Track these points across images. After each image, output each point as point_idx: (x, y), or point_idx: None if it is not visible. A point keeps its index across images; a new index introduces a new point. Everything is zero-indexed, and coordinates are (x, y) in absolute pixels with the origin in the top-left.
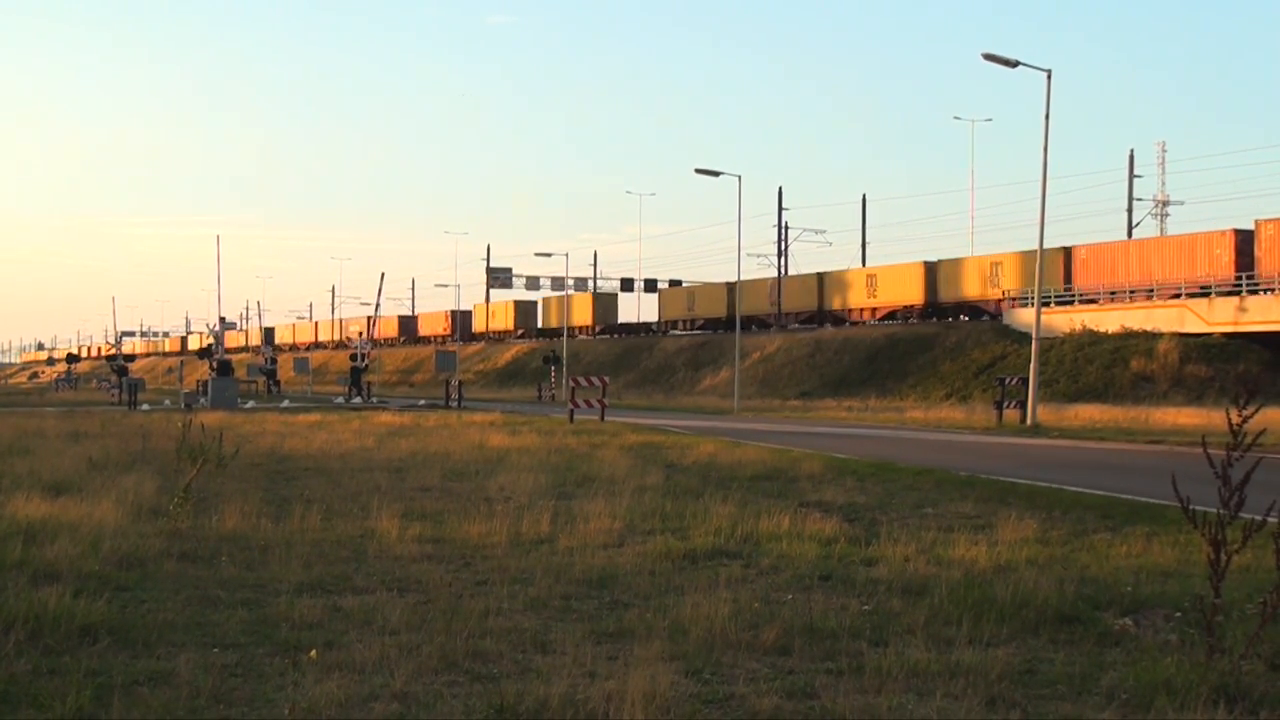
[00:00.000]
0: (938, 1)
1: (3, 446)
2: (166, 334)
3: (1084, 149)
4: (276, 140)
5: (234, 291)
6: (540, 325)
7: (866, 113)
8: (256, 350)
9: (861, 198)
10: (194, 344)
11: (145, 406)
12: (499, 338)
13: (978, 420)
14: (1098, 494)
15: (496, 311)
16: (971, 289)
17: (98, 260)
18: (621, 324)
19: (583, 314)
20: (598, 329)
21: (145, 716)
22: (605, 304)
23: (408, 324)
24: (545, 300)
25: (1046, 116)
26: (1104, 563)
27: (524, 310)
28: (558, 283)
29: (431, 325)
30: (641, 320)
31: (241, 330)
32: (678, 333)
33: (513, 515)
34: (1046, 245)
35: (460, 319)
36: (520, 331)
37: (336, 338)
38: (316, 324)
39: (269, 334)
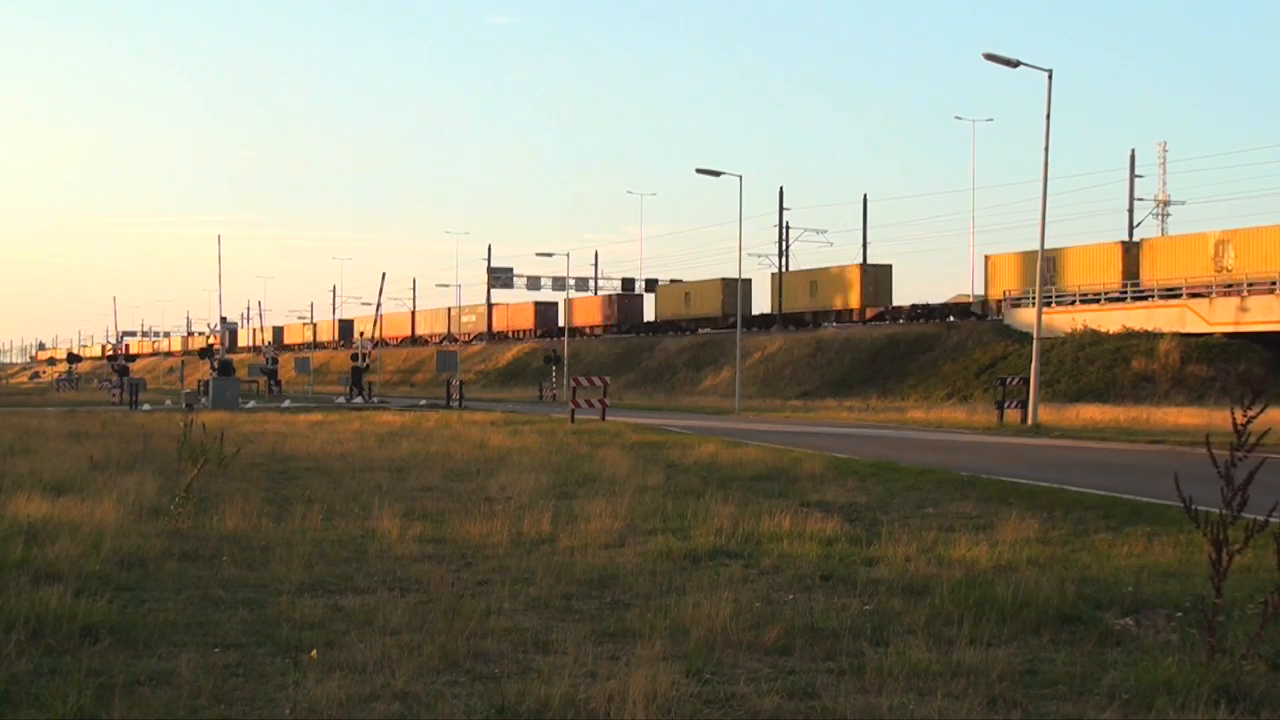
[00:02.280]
0: (938, 1)
1: (4, 446)
2: (168, 334)
3: (1085, 149)
4: (276, 140)
5: (235, 291)
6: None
7: (867, 113)
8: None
9: (863, 198)
10: (243, 341)
11: (146, 406)
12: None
13: (979, 420)
14: (1099, 494)
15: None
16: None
17: (98, 260)
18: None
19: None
20: (869, 314)
21: (146, 716)
22: (880, 276)
23: (546, 312)
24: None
25: (1047, 116)
26: (1105, 563)
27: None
28: (559, 282)
29: (587, 314)
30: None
31: (310, 324)
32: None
33: (514, 515)
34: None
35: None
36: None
37: (412, 333)
38: (414, 313)
39: (346, 326)
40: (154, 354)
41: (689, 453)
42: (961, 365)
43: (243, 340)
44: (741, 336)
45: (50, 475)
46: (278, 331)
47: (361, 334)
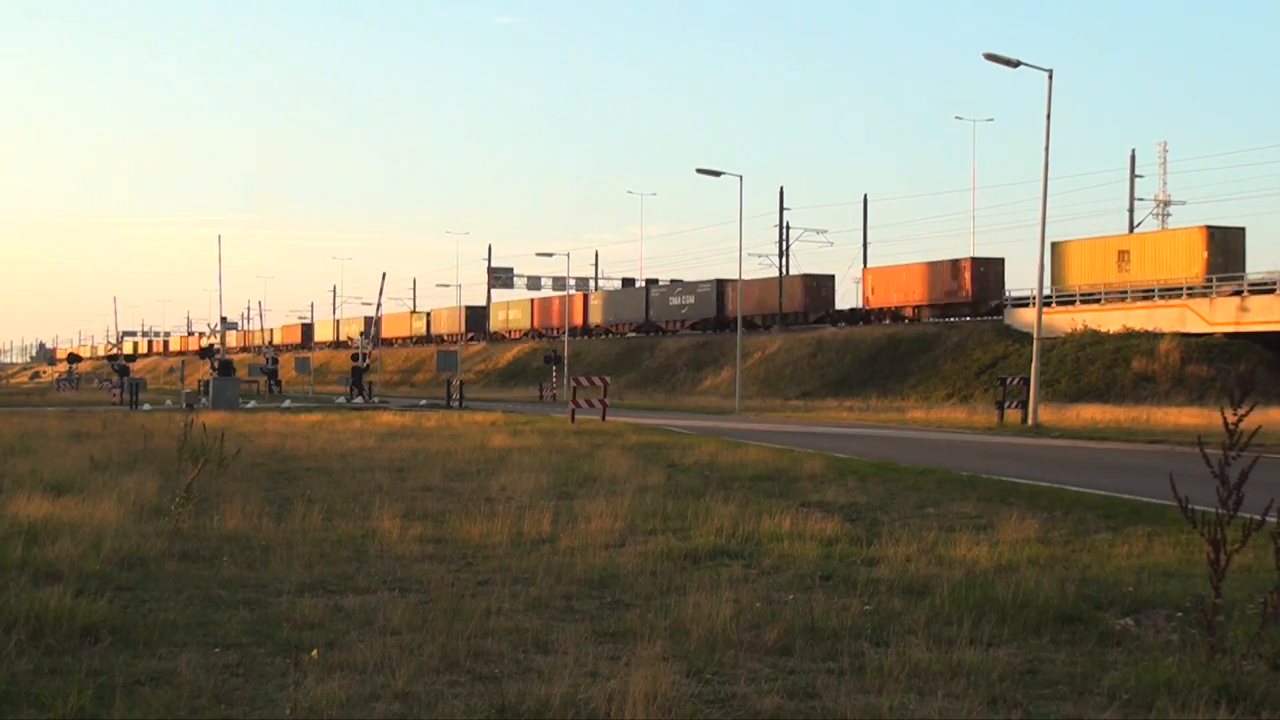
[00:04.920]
0: (938, 1)
1: (4, 446)
2: (168, 334)
3: (1085, 149)
4: (277, 140)
5: (235, 291)
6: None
7: (867, 113)
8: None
9: (863, 198)
10: (320, 336)
11: (146, 406)
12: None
13: (979, 420)
14: (1099, 494)
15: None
16: None
17: (98, 260)
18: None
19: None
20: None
21: (147, 716)
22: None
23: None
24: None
25: (1048, 116)
26: (1105, 563)
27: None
28: (559, 282)
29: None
30: None
31: (422, 312)
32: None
33: (514, 515)
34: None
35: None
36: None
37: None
38: (569, 301)
39: (476, 313)
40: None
41: (689, 453)
42: (961, 365)
43: (319, 335)
44: (741, 337)
45: (50, 475)
46: (372, 322)
47: (361, 334)
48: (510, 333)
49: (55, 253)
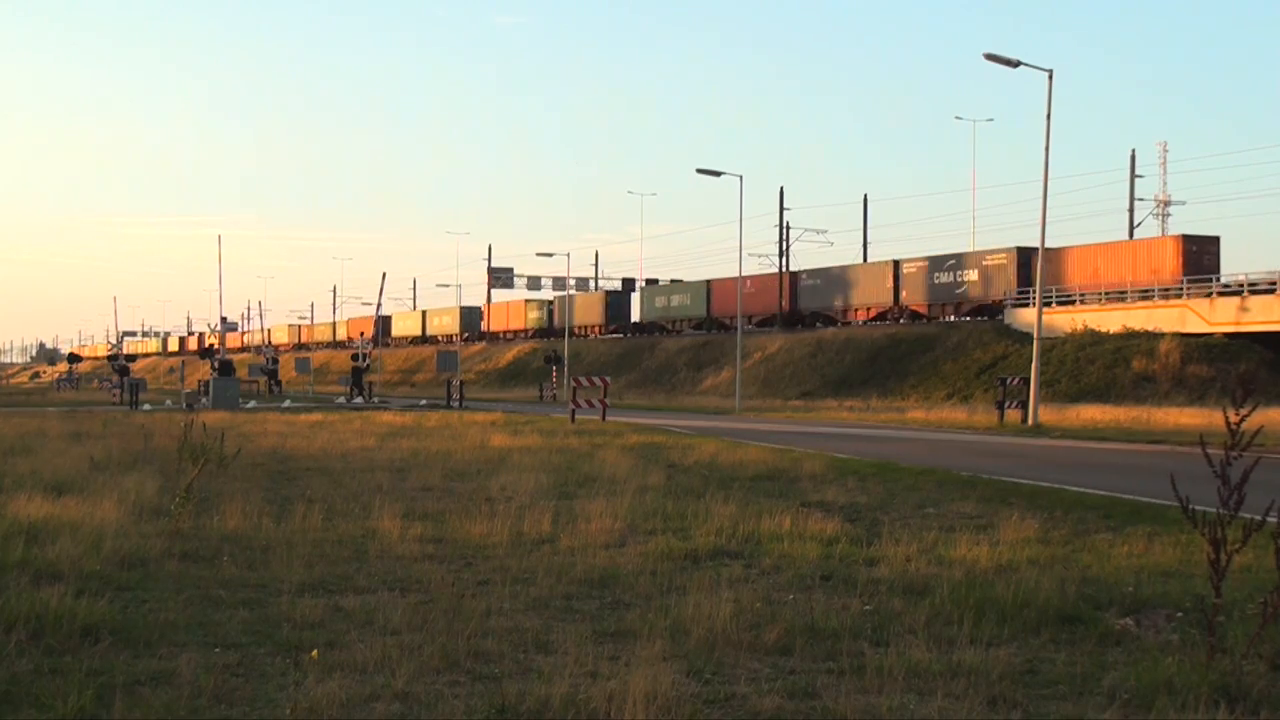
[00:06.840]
0: (938, 1)
1: (4, 446)
2: (168, 334)
3: (1085, 149)
4: (277, 140)
5: (235, 291)
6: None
7: (867, 113)
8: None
9: (863, 198)
10: (397, 331)
11: (147, 406)
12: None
13: (979, 420)
14: (1099, 494)
15: None
16: None
17: (98, 260)
18: None
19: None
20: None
21: (147, 716)
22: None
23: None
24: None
25: (1048, 116)
26: (1105, 563)
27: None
28: (559, 282)
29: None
30: None
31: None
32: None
33: (514, 515)
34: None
35: None
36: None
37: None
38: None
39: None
40: (158, 353)
41: (689, 453)
42: (962, 365)
43: (399, 329)
44: (741, 337)
45: (51, 475)
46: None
47: (362, 334)
48: (672, 324)
49: (55, 253)
